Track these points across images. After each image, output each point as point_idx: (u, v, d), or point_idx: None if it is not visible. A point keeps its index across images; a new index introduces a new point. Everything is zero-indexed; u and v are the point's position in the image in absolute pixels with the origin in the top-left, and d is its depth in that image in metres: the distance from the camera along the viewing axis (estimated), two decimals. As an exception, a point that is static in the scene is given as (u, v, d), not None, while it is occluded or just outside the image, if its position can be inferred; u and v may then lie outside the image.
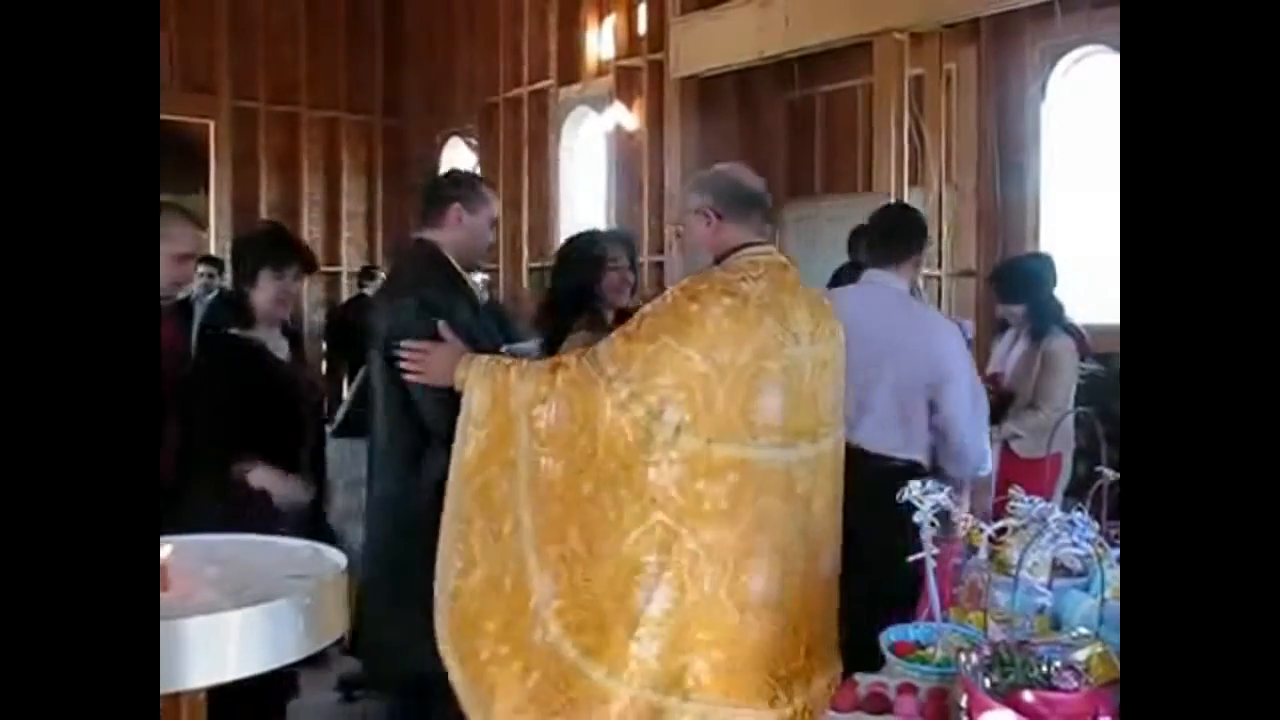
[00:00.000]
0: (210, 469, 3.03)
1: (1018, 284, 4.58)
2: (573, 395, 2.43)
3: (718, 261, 2.59)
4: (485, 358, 2.65)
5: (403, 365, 2.75)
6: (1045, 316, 4.45)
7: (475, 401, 2.56)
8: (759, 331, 2.42)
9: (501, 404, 2.53)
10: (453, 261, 3.11)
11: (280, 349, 3.33)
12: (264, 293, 3.24)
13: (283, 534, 2.10)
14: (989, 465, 3.90)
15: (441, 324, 2.77)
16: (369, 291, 10.23)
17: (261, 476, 3.07)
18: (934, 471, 3.41)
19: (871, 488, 2.60)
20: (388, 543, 2.99)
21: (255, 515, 2.83)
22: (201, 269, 7.77)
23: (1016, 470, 4.05)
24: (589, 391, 2.42)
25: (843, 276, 4.86)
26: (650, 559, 2.37)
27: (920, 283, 6.18)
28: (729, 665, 2.38)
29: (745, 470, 2.40)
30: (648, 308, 2.51)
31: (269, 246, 3.36)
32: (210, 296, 7.83)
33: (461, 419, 2.58)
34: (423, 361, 2.73)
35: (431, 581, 2.59)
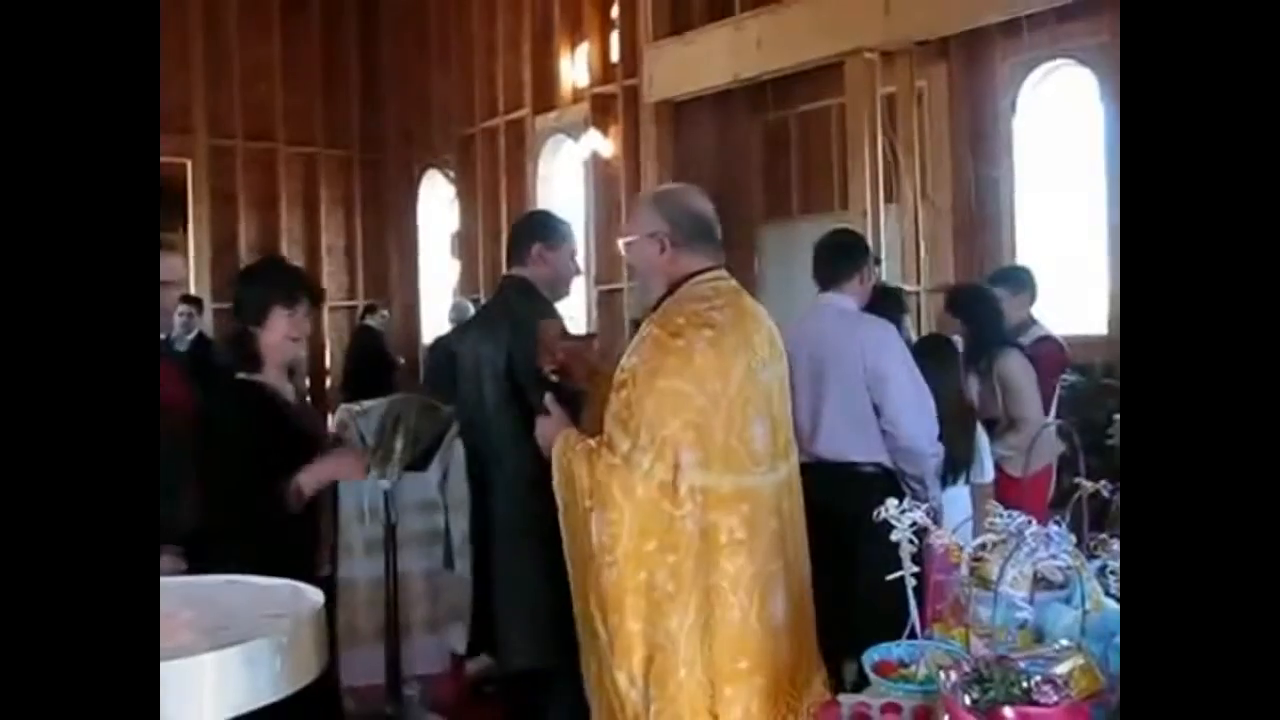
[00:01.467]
0: (231, 519, 2.85)
1: (964, 301, 4.59)
2: (604, 499, 2.39)
3: (672, 289, 2.54)
4: (561, 449, 2.56)
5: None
6: (984, 340, 4.41)
7: (560, 512, 2.55)
8: (737, 361, 2.43)
9: (571, 512, 2.51)
10: (543, 294, 3.35)
11: (288, 392, 3.11)
12: (275, 332, 2.98)
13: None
14: (989, 473, 3.93)
15: (548, 398, 2.76)
16: (374, 324, 10.32)
17: (312, 474, 2.92)
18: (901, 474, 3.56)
19: (839, 496, 2.61)
20: (513, 560, 3.21)
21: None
22: (181, 308, 7.68)
23: (1012, 489, 4.05)
24: (612, 481, 2.38)
25: None
26: (695, 612, 2.38)
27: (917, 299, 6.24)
28: (766, 688, 2.42)
29: (753, 499, 2.43)
30: (633, 358, 2.44)
31: (276, 280, 3.11)
32: (190, 336, 7.76)
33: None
34: (538, 431, 2.72)
35: (542, 593, 2.82)
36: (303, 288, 3.11)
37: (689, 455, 2.36)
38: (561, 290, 3.45)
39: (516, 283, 3.38)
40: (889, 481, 3.51)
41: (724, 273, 2.60)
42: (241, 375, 3.02)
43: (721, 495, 2.39)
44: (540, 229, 3.45)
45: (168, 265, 3.01)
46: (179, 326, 7.67)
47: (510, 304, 3.34)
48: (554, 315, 3.30)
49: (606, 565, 2.39)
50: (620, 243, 2.70)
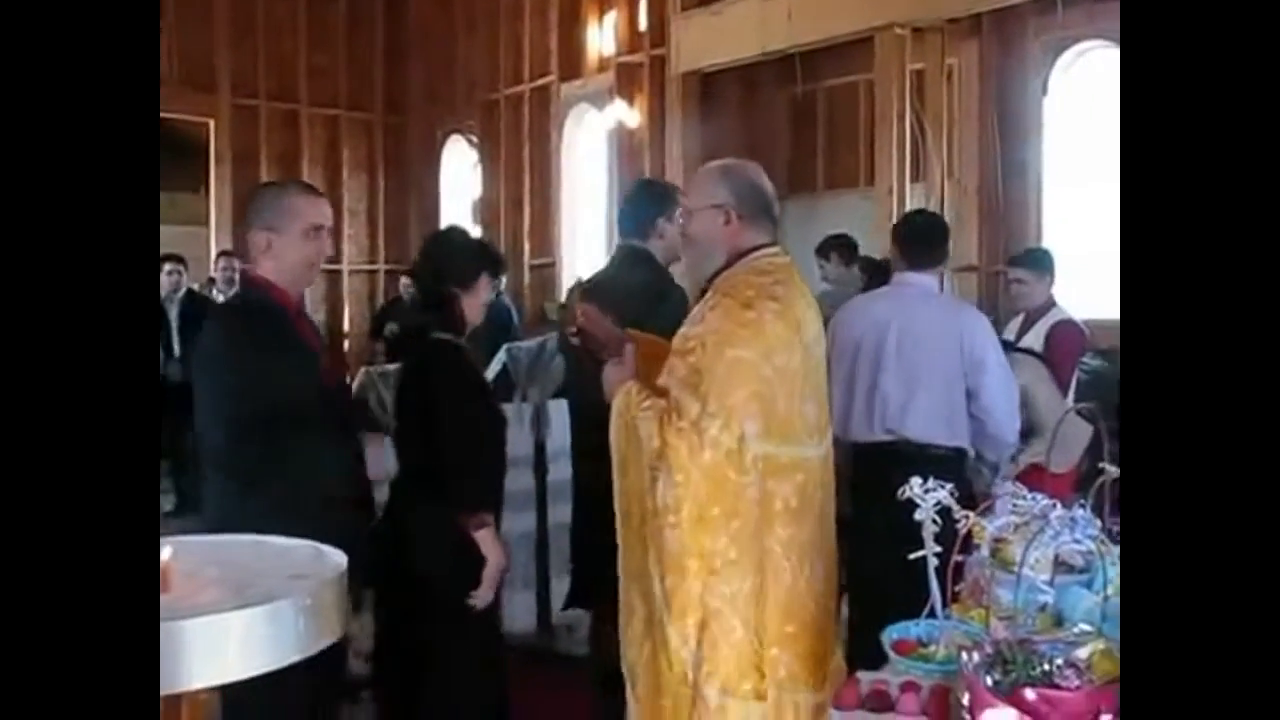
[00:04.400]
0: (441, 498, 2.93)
1: None
2: (674, 461, 2.42)
3: (730, 262, 2.59)
4: (624, 403, 2.56)
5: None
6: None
7: (616, 465, 2.57)
8: (799, 336, 2.50)
9: (632, 461, 2.53)
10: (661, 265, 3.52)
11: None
12: (478, 299, 3.08)
13: None
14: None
15: (628, 347, 2.72)
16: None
17: (486, 541, 2.94)
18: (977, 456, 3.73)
19: (920, 475, 2.64)
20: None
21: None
22: (168, 267, 7.73)
23: (1043, 484, 4.03)
24: (682, 445, 2.41)
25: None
26: (754, 577, 2.44)
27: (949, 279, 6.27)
28: (810, 651, 2.50)
29: (807, 469, 2.51)
30: (699, 328, 2.48)
31: (484, 251, 3.26)
32: (179, 295, 7.79)
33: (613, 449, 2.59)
34: (605, 377, 2.70)
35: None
36: (501, 264, 3.31)
37: (751, 425, 2.42)
38: (673, 259, 3.54)
39: (637, 253, 3.52)
40: (962, 465, 3.67)
41: (780, 249, 2.66)
42: (452, 339, 3.05)
43: (780, 464, 2.46)
44: (663, 200, 3.52)
45: (318, 207, 2.83)
46: (168, 285, 7.71)
47: (629, 275, 3.47)
48: (674, 287, 3.45)
49: (670, 526, 2.44)
50: (679, 212, 2.73)
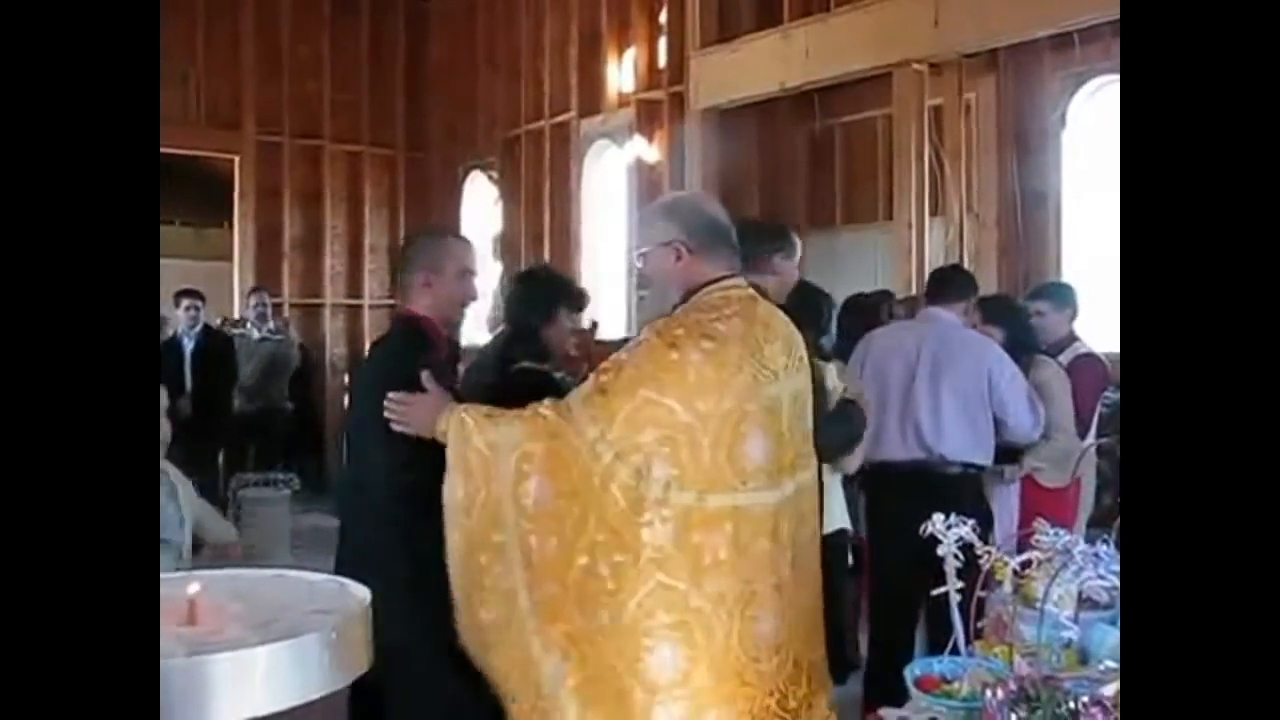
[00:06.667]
0: None
1: (998, 308, 4.69)
2: (556, 469, 2.32)
3: (686, 298, 2.49)
4: (461, 413, 2.48)
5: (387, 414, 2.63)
6: (1019, 347, 4.45)
7: (457, 483, 2.44)
8: (739, 375, 2.35)
9: (482, 482, 2.41)
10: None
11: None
12: (560, 330, 3.41)
13: None
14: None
15: (425, 375, 2.63)
16: None
17: None
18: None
19: (956, 490, 3.10)
20: None
21: None
22: (186, 302, 7.77)
23: (1041, 499, 4.08)
24: (573, 462, 2.31)
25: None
26: (656, 621, 2.30)
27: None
28: (750, 711, 2.35)
29: (739, 518, 2.35)
30: (624, 354, 2.38)
31: (565, 284, 3.64)
32: (196, 330, 7.82)
33: (447, 497, 2.45)
34: (409, 415, 2.59)
35: None
36: (580, 294, 3.72)
37: (660, 470, 2.29)
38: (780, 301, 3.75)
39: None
40: (980, 477, 4.09)
41: (740, 280, 2.53)
42: (548, 370, 3.37)
43: (705, 514, 2.32)
44: (777, 236, 3.61)
45: (469, 250, 3.07)
46: (185, 320, 7.74)
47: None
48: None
49: (539, 536, 2.34)
50: (634, 254, 2.62)
